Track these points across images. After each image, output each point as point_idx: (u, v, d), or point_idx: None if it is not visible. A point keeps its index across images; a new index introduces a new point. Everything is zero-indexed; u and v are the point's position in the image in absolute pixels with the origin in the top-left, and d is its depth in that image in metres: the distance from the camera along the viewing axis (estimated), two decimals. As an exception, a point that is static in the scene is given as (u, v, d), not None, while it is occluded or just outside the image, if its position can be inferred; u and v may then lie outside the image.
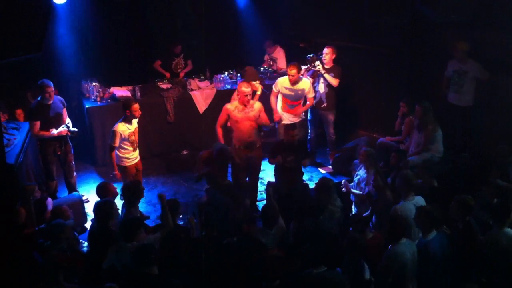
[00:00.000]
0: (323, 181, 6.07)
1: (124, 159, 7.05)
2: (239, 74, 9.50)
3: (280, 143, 7.35)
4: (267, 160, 7.37)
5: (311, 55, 8.34)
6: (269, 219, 5.47)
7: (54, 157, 7.34)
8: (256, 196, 7.65)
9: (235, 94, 7.86)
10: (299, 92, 7.97)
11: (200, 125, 9.07)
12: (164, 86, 9.16)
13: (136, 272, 4.65)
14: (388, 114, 8.44)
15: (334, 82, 8.27)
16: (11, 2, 4.84)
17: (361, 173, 6.67)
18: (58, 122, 7.21)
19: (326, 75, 8.25)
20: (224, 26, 10.62)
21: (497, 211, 5.18)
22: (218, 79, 9.38)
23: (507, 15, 7.50)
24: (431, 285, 5.10)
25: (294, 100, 8.02)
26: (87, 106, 8.56)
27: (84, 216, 7.09)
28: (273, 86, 8.13)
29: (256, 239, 5.01)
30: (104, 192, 6.15)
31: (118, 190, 6.21)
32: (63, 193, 7.62)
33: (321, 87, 8.40)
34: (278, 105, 8.11)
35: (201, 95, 9.15)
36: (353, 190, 6.62)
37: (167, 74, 9.62)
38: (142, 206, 6.43)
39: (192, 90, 9.18)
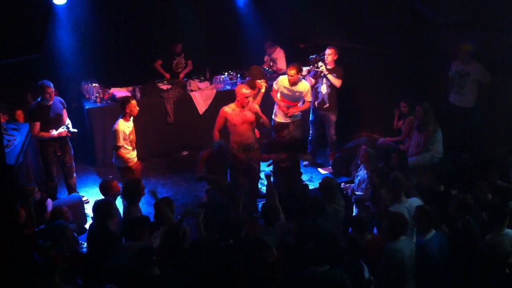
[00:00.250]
0: (327, 181, 6.05)
1: (125, 161, 7.03)
2: (239, 75, 9.51)
3: (273, 142, 7.37)
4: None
5: (313, 56, 8.35)
6: (270, 216, 5.45)
7: (54, 158, 7.34)
8: (256, 196, 7.65)
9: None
10: (297, 94, 7.99)
11: (200, 126, 9.06)
12: (164, 87, 9.16)
13: (136, 273, 4.64)
14: (388, 114, 8.44)
15: (337, 82, 8.29)
16: (11, 3, 4.84)
17: (361, 173, 6.67)
18: (58, 123, 7.21)
19: (329, 76, 8.26)
20: (224, 27, 10.62)
21: (496, 212, 5.17)
22: (218, 80, 9.38)
23: (507, 16, 7.50)
24: (430, 285, 5.09)
25: (291, 100, 8.03)
26: (87, 107, 8.56)
27: (84, 216, 7.08)
28: (274, 83, 8.16)
29: (259, 237, 5.00)
30: (107, 189, 6.14)
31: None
32: (63, 194, 7.61)
33: (324, 88, 8.41)
34: (275, 106, 8.18)
35: (201, 96, 9.16)
36: (356, 192, 6.63)
37: (167, 75, 9.62)
38: (142, 207, 6.42)
39: (192, 91, 9.18)
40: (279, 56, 9.94)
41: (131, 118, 7.04)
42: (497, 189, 5.95)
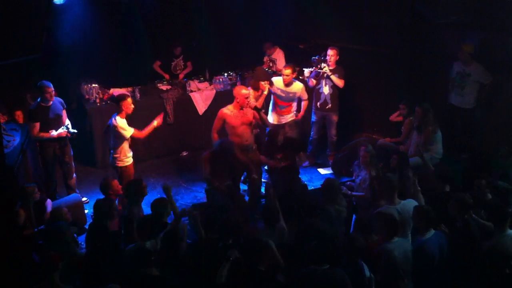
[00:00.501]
0: (328, 181, 6.04)
1: (124, 159, 7.02)
2: (238, 76, 9.52)
3: (268, 143, 7.39)
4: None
5: (316, 57, 8.35)
6: (270, 218, 5.45)
7: (54, 158, 7.33)
8: (256, 197, 7.64)
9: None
10: (291, 94, 8.06)
11: (200, 127, 9.06)
12: (164, 87, 9.16)
13: (136, 273, 4.64)
14: (388, 114, 8.44)
15: (340, 83, 8.34)
16: (11, 4, 4.85)
17: (362, 174, 6.66)
18: (58, 123, 7.20)
19: (332, 77, 8.28)
20: (224, 27, 10.61)
21: (496, 213, 5.16)
22: (217, 81, 9.38)
23: (507, 16, 7.50)
24: (429, 285, 5.09)
25: (285, 101, 8.08)
26: (86, 108, 8.56)
27: (84, 217, 7.07)
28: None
29: (259, 237, 4.99)
30: (107, 188, 6.14)
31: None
32: (63, 195, 7.60)
33: (326, 89, 8.43)
34: (270, 106, 8.21)
35: (201, 96, 9.16)
36: (354, 193, 6.62)
37: (167, 76, 9.62)
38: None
39: (191, 91, 9.18)
40: (279, 56, 9.94)
41: (125, 116, 7.01)
42: (497, 190, 5.94)
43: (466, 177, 6.55)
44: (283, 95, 8.04)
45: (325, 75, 8.32)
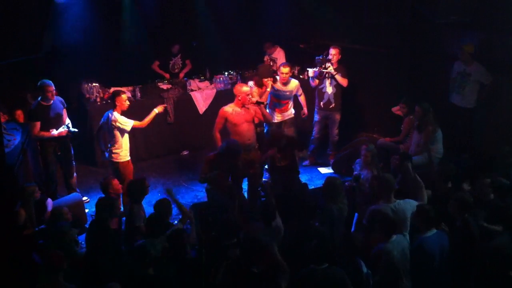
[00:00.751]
0: (330, 180, 6.03)
1: (124, 155, 7.05)
2: (239, 76, 9.52)
3: (268, 143, 7.39)
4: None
5: (320, 57, 8.36)
6: (267, 216, 5.46)
7: (54, 158, 7.34)
8: (257, 197, 7.64)
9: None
10: (287, 93, 8.10)
11: (200, 126, 9.05)
12: (164, 86, 9.17)
13: (133, 273, 4.66)
14: (388, 114, 8.44)
15: (344, 82, 8.36)
16: (11, 4, 4.86)
17: (364, 173, 6.66)
18: (58, 122, 7.21)
19: (337, 76, 8.30)
20: (224, 27, 10.62)
21: (499, 214, 5.17)
22: (218, 80, 9.38)
23: (507, 16, 7.50)
24: (429, 283, 5.10)
25: (283, 99, 8.10)
26: (87, 107, 8.57)
27: (84, 216, 7.07)
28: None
29: (257, 238, 5.00)
30: (107, 187, 6.16)
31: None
32: (63, 194, 7.61)
33: (329, 88, 8.45)
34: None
35: (201, 95, 9.16)
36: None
37: (167, 75, 9.63)
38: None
39: (192, 90, 9.19)
40: (279, 55, 9.94)
41: (121, 113, 7.02)
42: (499, 187, 5.92)
43: (466, 177, 6.55)
44: (282, 94, 8.05)
45: (329, 74, 8.34)
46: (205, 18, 10.40)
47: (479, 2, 7.78)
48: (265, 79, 7.84)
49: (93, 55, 9.29)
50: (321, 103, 8.57)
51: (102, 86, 8.79)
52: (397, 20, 8.39)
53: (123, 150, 6.99)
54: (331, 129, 8.77)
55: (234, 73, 9.63)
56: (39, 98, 7.12)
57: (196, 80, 9.45)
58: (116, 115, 6.86)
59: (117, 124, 6.86)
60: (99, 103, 8.58)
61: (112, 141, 6.98)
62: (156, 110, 7.18)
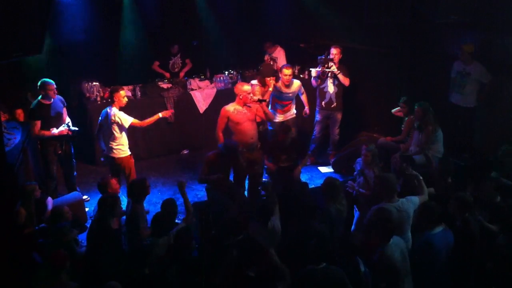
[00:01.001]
0: (329, 181, 6.04)
1: (125, 150, 7.12)
2: (239, 75, 9.53)
3: (273, 142, 7.38)
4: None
5: (322, 57, 8.36)
6: (263, 215, 5.45)
7: (55, 157, 7.34)
8: (257, 197, 7.64)
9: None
10: (290, 94, 8.12)
11: (200, 125, 9.08)
12: (165, 86, 9.17)
13: (134, 273, 4.67)
14: (388, 114, 8.45)
15: (346, 81, 8.38)
16: (11, 3, 4.86)
17: (365, 172, 6.66)
18: (59, 121, 7.22)
19: (339, 76, 8.30)
20: (224, 26, 10.62)
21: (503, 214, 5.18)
22: (218, 79, 9.39)
23: (507, 16, 7.50)
24: (433, 281, 5.11)
25: (285, 100, 8.10)
26: (87, 106, 8.58)
27: (84, 215, 7.09)
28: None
29: (255, 240, 5.01)
30: (106, 187, 6.17)
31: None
32: (63, 193, 7.62)
33: (331, 88, 8.46)
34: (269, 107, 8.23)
35: (201, 95, 9.17)
36: (360, 190, 6.58)
37: (167, 74, 9.64)
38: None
39: (192, 90, 9.20)
40: (280, 55, 9.94)
41: (119, 109, 7.07)
42: (503, 188, 5.93)
43: (467, 176, 6.57)
44: (284, 95, 8.06)
45: (332, 74, 8.34)
46: (206, 17, 10.39)
47: (479, 2, 7.78)
48: (268, 78, 7.84)
49: (94, 54, 9.29)
50: (323, 102, 8.58)
51: (102, 85, 8.80)
52: (397, 20, 8.37)
53: (124, 145, 7.06)
54: (332, 129, 8.78)
55: (234, 73, 9.64)
56: (39, 97, 7.13)
57: (196, 80, 9.45)
58: (115, 110, 6.92)
59: (116, 119, 6.90)
60: (99, 102, 8.59)
61: (112, 137, 7.03)
62: (161, 114, 7.21)
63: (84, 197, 7.58)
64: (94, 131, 8.44)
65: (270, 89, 7.85)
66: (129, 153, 7.18)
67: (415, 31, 8.54)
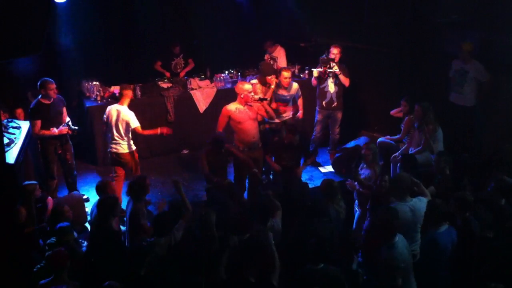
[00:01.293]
0: (327, 182, 6.04)
1: (131, 145, 7.24)
2: (239, 74, 9.53)
3: (277, 142, 7.37)
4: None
5: (323, 57, 8.36)
6: (263, 214, 5.46)
7: (55, 156, 7.35)
8: (256, 195, 7.65)
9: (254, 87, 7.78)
10: (288, 97, 8.10)
11: (200, 125, 9.07)
12: (165, 85, 9.17)
13: (135, 272, 4.68)
14: (388, 114, 8.45)
15: (346, 81, 8.38)
16: (10, 2, 4.84)
17: (365, 172, 6.67)
18: (59, 120, 7.23)
19: (340, 76, 8.30)
20: (224, 26, 10.62)
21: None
22: (218, 79, 9.39)
23: (507, 16, 7.50)
24: (439, 278, 5.12)
25: (281, 102, 8.09)
26: (87, 105, 8.58)
27: (84, 215, 7.09)
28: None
29: (259, 239, 5.01)
30: (104, 190, 6.17)
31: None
32: (63, 192, 7.63)
33: (331, 87, 8.46)
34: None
35: (202, 94, 9.17)
36: (361, 190, 6.58)
37: (167, 73, 9.64)
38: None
39: (192, 89, 9.20)
40: (280, 54, 9.95)
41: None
42: (506, 188, 5.92)
43: (467, 176, 6.57)
44: (283, 97, 8.05)
45: (333, 74, 8.34)
46: (206, 17, 10.39)
47: (479, 1, 7.79)
48: (269, 77, 7.83)
49: (93, 54, 9.30)
50: (324, 102, 8.57)
51: (102, 85, 8.80)
52: (397, 19, 8.39)
53: (129, 140, 7.18)
54: (332, 128, 8.78)
55: (235, 72, 9.64)
56: (39, 97, 7.13)
57: (197, 79, 9.45)
58: (125, 109, 7.05)
59: (126, 118, 7.00)
60: (99, 102, 8.59)
61: (118, 133, 7.10)
62: (159, 131, 7.27)
63: (84, 196, 7.59)
64: (94, 130, 8.49)
65: (272, 86, 7.84)
66: (134, 148, 7.29)
67: (415, 30, 8.55)
